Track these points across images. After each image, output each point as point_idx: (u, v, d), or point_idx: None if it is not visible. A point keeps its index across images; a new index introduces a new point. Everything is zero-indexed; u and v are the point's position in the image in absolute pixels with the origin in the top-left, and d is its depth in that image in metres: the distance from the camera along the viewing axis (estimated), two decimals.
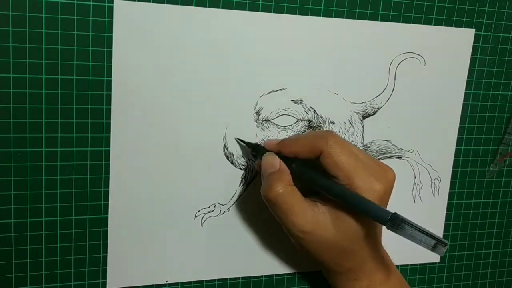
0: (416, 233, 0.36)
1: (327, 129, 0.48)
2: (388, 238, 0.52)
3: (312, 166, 0.42)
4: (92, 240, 0.44)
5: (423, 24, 0.48)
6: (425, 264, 0.54)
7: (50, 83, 0.40)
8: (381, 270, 0.44)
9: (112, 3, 0.40)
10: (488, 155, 0.54)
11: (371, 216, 0.38)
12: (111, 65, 0.41)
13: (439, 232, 0.54)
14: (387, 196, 0.41)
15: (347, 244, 0.41)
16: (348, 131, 0.48)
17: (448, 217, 0.54)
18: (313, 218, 0.40)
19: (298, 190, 0.41)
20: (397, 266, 0.53)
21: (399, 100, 0.49)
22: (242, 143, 0.45)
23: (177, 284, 0.46)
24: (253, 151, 0.45)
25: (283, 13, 0.44)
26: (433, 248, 0.36)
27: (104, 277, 0.44)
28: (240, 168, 0.46)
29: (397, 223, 0.37)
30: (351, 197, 0.39)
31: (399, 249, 0.52)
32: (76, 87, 0.41)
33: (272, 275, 0.49)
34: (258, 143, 0.45)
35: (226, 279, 0.48)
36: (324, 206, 0.41)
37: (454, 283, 0.56)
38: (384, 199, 0.40)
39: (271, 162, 0.42)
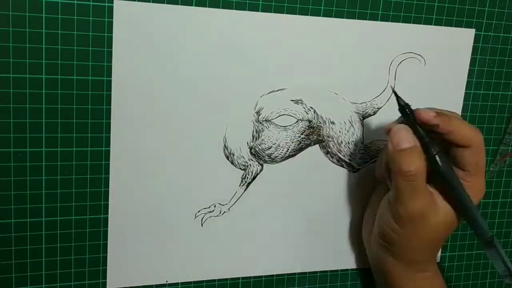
0: (498, 257, 0.41)
1: (328, 129, 0.48)
2: None
3: (449, 159, 0.42)
4: (92, 240, 0.44)
5: (423, 24, 0.48)
6: None
7: (50, 83, 0.40)
8: (435, 262, 0.46)
9: (112, 3, 0.40)
10: (488, 155, 0.54)
11: (479, 227, 0.41)
12: (111, 65, 0.41)
13: None
14: None
15: (444, 236, 0.43)
16: (348, 131, 0.48)
17: None
18: (431, 204, 0.41)
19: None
20: None
21: None
22: (397, 98, 0.42)
23: (177, 284, 0.46)
24: (401, 109, 0.42)
25: (283, 13, 0.44)
26: (504, 276, 0.41)
27: (104, 277, 0.44)
28: (240, 168, 0.46)
29: (492, 244, 0.41)
30: (469, 206, 0.41)
31: None
32: (76, 87, 0.41)
33: (272, 275, 0.49)
34: (407, 103, 0.42)
35: (226, 279, 0.48)
36: (438, 197, 0.42)
37: (454, 283, 0.56)
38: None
39: (408, 136, 0.40)
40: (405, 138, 0.40)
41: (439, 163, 0.41)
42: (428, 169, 0.41)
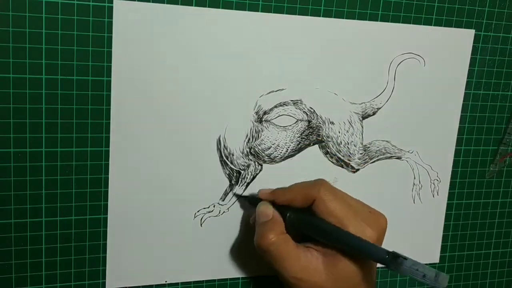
0: (418, 265, 0.37)
1: (327, 129, 0.48)
2: (389, 239, 0.52)
3: (305, 214, 0.42)
4: (92, 240, 0.44)
5: (423, 24, 0.48)
6: (427, 262, 0.54)
7: (50, 83, 0.40)
8: None
9: (112, 3, 0.40)
10: (488, 155, 0.54)
11: (371, 255, 0.39)
12: (111, 65, 0.41)
13: (438, 232, 0.54)
14: (379, 242, 0.42)
15: (343, 286, 0.41)
16: (347, 131, 0.48)
17: (448, 217, 0.54)
18: (305, 265, 0.41)
19: (291, 237, 0.42)
20: None
21: (399, 101, 0.49)
22: (241, 197, 0.46)
23: (177, 284, 0.46)
24: (250, 202, 0.46)
25: (283, 13, 0.44)
26: (435, 278, 0.36)
27: (104, 277, 0.44)
28: (240, 169, 0.46)
29: (396, 261, 0.37)
30: (348, 238, 0.40)
31: (399, 249, 0.52)
32: (76, 87, 0.41)
33: (272, 276, 0.49)
34: (253, 195, 0.46)
35: (226, 279, 0.48)
36: (317, 251, 0.41)
37: (454, 283, 0.56)
38: (377, 244, 0.41)
39: (264, 211, 0.43)
40: (262, 213, 0.43)
41: (294, 218, 0.42)
42: (297, 233, 0.42)
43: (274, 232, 0.41)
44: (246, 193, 0.47)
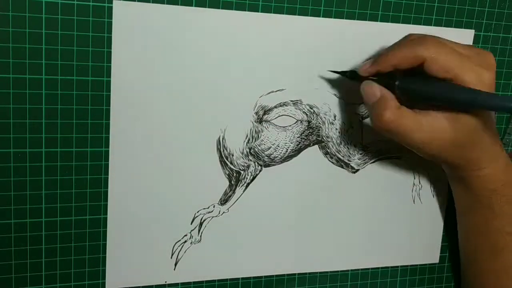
0: None
1: (327, 130, 0.48)
2: (388, 239, 0.52)
3: (415, 76, 0.41)
4: (92, 240, 0.44)
5: (423, 24, 0.48)
6: (425, 264, 0.54)
7: (50, 83, 0.40)
8: (501, 157, 0.45)
9: (112, 3, 0.40)
10: None
11: (492, 106, 0.38)
12: (110, 66, 0.41)
13: (438, 232, 0.54)
14: (494, 81, 0.41)
15: (467, 140, 0.42)
16: (347, 131, 0.48)
17: (448, 217, 0.54)
18: (429, 128, 0.41)
19: (407, 106, 0.41)
20: (397, 266, 0.53)
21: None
22: (337, 73, 0.45)
23: (176, 284, 0.46)
24: (352, 79, 0.44)
25: (283, 13, 0.44)
26: None
27: (104, 277, 0.44)
28: (240, 169, 0.46)
29: None
30: (465, 94, 0.39)
31: (398, 249, 0.53)
32: (76, 87, 0.41)
33: (272, 276, 0.49)
34: (354, 70, 0.44)
35: (226, 280, 0.48)
36: (436, 111, 0.41)
37: (454, 284, 0.56)
38: (493, 85, 0.41)
39: (371, 91, 0.42)
40: (369, 94, 0.42)
41: (405, 86, 0.41)
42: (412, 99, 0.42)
43: (389, 110, 0.40)
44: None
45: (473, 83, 0.39)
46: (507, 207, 0.45)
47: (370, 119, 0.42)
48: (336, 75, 0.46)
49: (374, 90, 0.42)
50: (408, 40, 0.42)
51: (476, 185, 0.45)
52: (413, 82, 0.41)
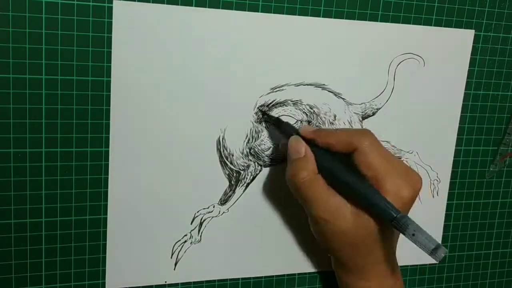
0: (418, 235, 0.37)
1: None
2: None
3: (334, 157, 0.42)
4: (92, 240, 0.44)
5: (423, 24, 0.48)
6: (425, 265, 0.54)
7: (50, 83, 0.40)
8: (391, 276, 0.44)
9: (112, 3, 0.40)
10: (488, 155, 0.54)
11: (380, 210, 0.39)
12: (110, 66, 0.41)
13: (438, 232, 0.54)
14: (411, 203, 0.41)
15: (363, 240, 0.41)
16: None
17: (448, 218, 0.54)
18: (334, 208, 0.41)
19: (323, 177, 0.42)
20: None
21: (399, 101, 0.49)
22: (266, 117, 0.45)
23: (176, 284, 0.46)
24: (277, 127, 0.45)
25: (283, 13, 0.44)
26: (432, 252, 0.37)
27: (104, 277, 0.44)
28: (240, 169, 0.46)
29: (402, 223, 0.37)
30: (364, 189, 0.40)
31: (398, 249, 0.53)
32: (76, 87, 0.41)
33: (272, 276, 0.49)
34: (285, 121, 0.45)
35: (226, 280, 0.48)
36: (345, 198, 0.41)
37: (454, 284, 0.56)
38: (409, 205, 0.41)
39: (297, 147, 0.42)
40: (295, 149, 0.42)
41: (319, 159, 0.42)
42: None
43: (307, 171, 0.41)
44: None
45: (390, 193, 0.40)
46: None
47: (286, 173, 0.42)
48: (338, 77, 0.46)
49: (300, 148, 0.42)
50: (350, 130, 0.45)
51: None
52: (330, 161, 0.42)
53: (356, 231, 0.41)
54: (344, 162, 0.41)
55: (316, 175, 0.41)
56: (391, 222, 0.38)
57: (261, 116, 0.45)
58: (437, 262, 0.54)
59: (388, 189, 0.40)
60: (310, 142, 0.43)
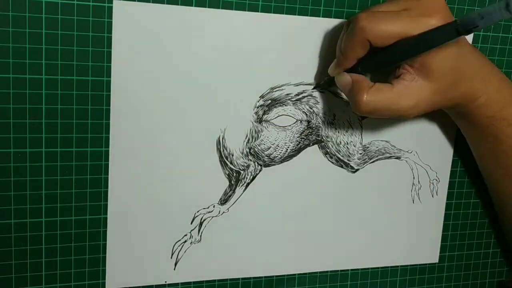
0: (486, 15, 0.35)
1: (327, 130, 0.48)
2: (388, 239, 0.52)
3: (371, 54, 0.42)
4: (92, 240, 0.44)
5: None
6: (425, 264, 0.54)
7: (50, 83, 0.40)
8: (492, 78, 0.44)
9: (112, 3, 0.40)
10: None
11: (444, 38, 0.38)
12: (110, 66, 0.41)
13: (438, 232, 0.54)
14: (446, 20, 0.39)
15: (446, 82, 0.41)
16: (347, 131, 0.48)
17: (447, 217, 0.54)
18: (409, 91, 0.41)
19: (381, 80, 0.42)
20: (397, 266, 0.53)
21: None
22: (319, 87, 0.46)
23: (176, 284, 0.46)
24: (329, 86, 0.46)
25: (283, 13, 0.44)
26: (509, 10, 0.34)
27: (104, 277, 0.44)
28: (240, 169, 0.46)
29: (467, 23, 0.36)
30: (414, 43, 0.39)
31: (398, 249, 0.53)
32: (76, 87, 0.41)
33: (272, 276, 0.49)
34: (326, 81, 0.46)
35: (226, 280, 0.48)
36: (407, 73, 0.41)
37: (454, 283, 0.56)
38: (447, 11, 0.40)
39: (343, 80, 0.43)
40: (343, 83, 0.43)
41: (369, 66, 0.42)
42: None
43: (364, 90, 0.41)
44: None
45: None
46: (509, 130, 0.45)
47: (352, 107, 0.42)
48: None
49: (346, 78, 0.43)
50: (346, 31, 0.42)
51: (476, 117, 0.45)
52: (370, 59, 0.41)
53: (438, 83, 0.41)
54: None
55: (373, 87, 0.41)
56: (461, 34, 0.37)
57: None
58: (436, 261, 0.54)
59: (416, 33, 0.38)
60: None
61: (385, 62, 0.41)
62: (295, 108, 0.46)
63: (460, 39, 0.40)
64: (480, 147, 0.49)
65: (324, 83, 0.46)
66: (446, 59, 0.40)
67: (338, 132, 0.48)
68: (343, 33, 0.43)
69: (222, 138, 0.45)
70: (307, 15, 0.45)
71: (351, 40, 0.41)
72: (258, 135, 0.46)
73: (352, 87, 0.42)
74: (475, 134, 0.48)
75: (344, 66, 0.43)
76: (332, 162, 0.49)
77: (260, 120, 0.46)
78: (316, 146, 0.48)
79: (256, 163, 0.46)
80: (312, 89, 0.46)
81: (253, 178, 0.47)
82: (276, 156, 0.47)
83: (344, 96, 0.47)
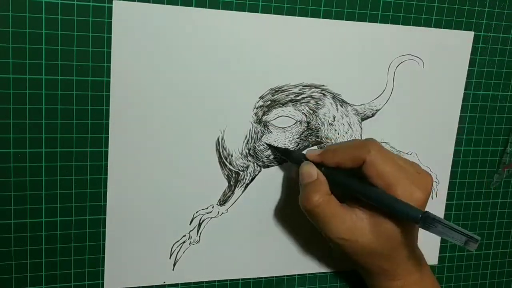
0: (447, 230, 0.37)
1: (326, 130, 0.48)
2: None
3: (344, 173, 0.42)
4: (92, 240, 0.44)
5: (423, 24, 0.48)
6: None
7: (50, 83, 0.40)
8: (416, 271, 0.44)
9: (112, 3, 0.40)
10: (488, 155, 0.54)
11: (404, 215, 0.39)
12: (110, 66, 0.41)
13: None
14: (425, 204, 0.42)
15: (384, 248, 0.42)
16: (346, 133, 0.48)
17: (447, 218, 0.54)
18: (351, 226, 0.41)
19: (336, 196, 0.42)
20: None
21: (398, 102, 0.49)
22: (274, 149, 0.46)
23: (176, 285, 0.46)
24: (285, 157, 0.46)
25: (283, 14, 0.44)
26: (465, 244, 0.37)
27: (104, 277, 0.45)
28: (239, 170, 0.46)
29: (429, 222, 0.37)
30: (383, 198, 0.40)
31: None
32: (76, 87, 0.41)
33: (272, 277, 0.49)
34: (291, 149, 0.47)
35: (226, 280, 0.48)
36: (362, 211, 0.42)
37: (454, 284, 0.56)
38: (423, 207, 0.41)
39: (309, 171, 0.43)
40: (307, 174, 0.43)
41: (334, 181, 0.42)
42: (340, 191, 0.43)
43: (319, 193, 0.41)
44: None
45: (404, 198, 0.40)
46: None
47: (299, 198, 0.43)
48: (337, 78, 0.46)
49: (311, 172, 0.42)
50: (353, 142, 0.44)
51: None
52: (341, 176, 0.42)
53: (377, 241, 0.41)
54: (355, 176, 0.42)
55: (329, 196, 0.42)
56: (418, 223, 0.38)
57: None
58: (436, 263, 0.54)
59: (401, 194, 0.40)
60: (318, 164, 0.43)
61: (353, 191, 0.42)
62: (295, 109, 0.46)
63: (414, 230, 0.43)
64: None
65: (281, 150, 0.46)
66: (395, 229, 0.41)
67: (338, 133, 0.48)
68: (349, 141, 0.45)
69: (222, 139, 0.45)
70: (307, 16, 0.45)
71: (351, 150, 0.42)
72: (257, 136, 0.46)
73: (313, 182, 0.42)
74: None
75: (326, 161, 0.43)
76: None
77: (259, 121, 0.46)
78: (315, 147, 0.48)
79: (255, 164, 0.46)
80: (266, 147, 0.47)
81: (252, 179, 0.47)
82: (275, 157, 0.47)
83: (343, 97, 0.47)
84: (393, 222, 0.41)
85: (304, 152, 0.46)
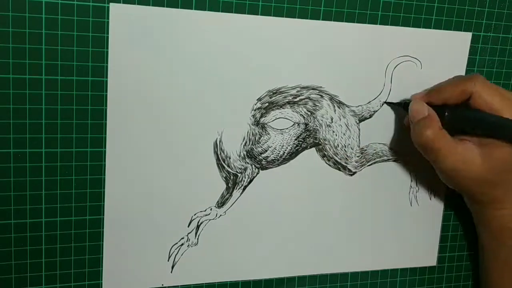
0: None
1: (324, 131, 0.48)
2: (385, 242, 0.52)
3: (462, 109, 0.45)
4: (92, 241, 0.44)
5: (423, 24, 0.48)
6: (425, 265, 0.54)
7: (50, 83, 0.40)
8: None
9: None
10: None
11: None
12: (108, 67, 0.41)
13: (436, 235, 0.54)
14: None
15: (494, 176, 0.44)
16: (344, 134, 0.48)
17: (447, 218, 0.54)
18: (463, 156, 0.43)
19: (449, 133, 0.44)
20: (396, 269, 0.53)
21: None
22: (392, 105, 0.48)
23: (175, 287, 0.46)
24: (404, 108, 0.47)
25: (282, 16, 0.44)
26: None
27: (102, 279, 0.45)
28: (237, 172, 0.46)
29: None
30: (502, 121, 0.42)
31: (396, 252, 0.53)
32: (75, 87, 0.41)
33: (272, 278, 0.49)
34: (406, 100, 0.48)
35: (226, 282, 0.48)
36: (472, 143, 0.44)
37: (454, 284, 0.56)
38: None
39: (419, 108, 0.45)
40: (417, 111, 0.45)
41: (453, 115, 0.44)
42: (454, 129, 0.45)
43: (432, 128, 0.43)
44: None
45: None
46: None
47: (412, 135, 0.45)
48: (335, 79, 0.46)
49: (423, 108, 0.44)
50: (458, 78, 0.46)
51: (496, 224, 0.47)
52: (461, 112, 0.44)
53: (487, 171, 0.43)
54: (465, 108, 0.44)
55: (441, 130, 0.43)
56: None
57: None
58: (434, 264, 0.54)
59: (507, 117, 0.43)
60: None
61: (472, 120, 0.44)
62: (293, 111, 0.46)
63: None
64: (495, 256, 0.49)
65: (402, 103, 0.48)
66: (506, 157, 0.43)
67: (336, 135, 0.48)
68: (453, 78, 0.46)
69: (219, 141, 0.45)
70: (307, 17, 0.45)
71: (458, 85, 0.44)
72: (255, 138, 0.46)
73: (425, 118, 0.44)
74: (492, 244, 0.48)
75: (433, 99, 0.45)
76: (330, 165, 0.48)
77: (257, 123, 0.46)
78: (313, 149, 0.48)
79: (253, 166, 0.46)
80: (381, 105, 0.48)
81: (251, 181, 0.47)
82: (274, 159, 0.47)
83: (341, 98, 0.47)
84: (503, 151, 0.43)
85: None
